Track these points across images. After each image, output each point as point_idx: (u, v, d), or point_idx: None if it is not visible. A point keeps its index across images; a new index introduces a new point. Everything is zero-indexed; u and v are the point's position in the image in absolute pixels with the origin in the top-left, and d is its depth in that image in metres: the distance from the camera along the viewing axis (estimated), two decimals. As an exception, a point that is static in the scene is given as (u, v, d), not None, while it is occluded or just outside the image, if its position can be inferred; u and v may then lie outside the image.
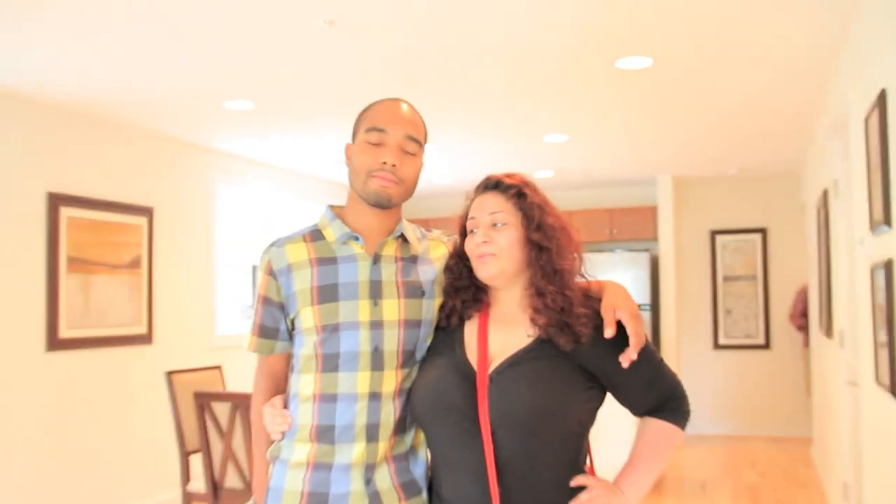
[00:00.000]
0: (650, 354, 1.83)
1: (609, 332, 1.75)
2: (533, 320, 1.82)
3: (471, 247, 1.87)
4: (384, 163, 1.87)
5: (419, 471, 1.91)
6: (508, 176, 1.90)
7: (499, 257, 1.83)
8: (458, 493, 1.79)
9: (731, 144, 6.89)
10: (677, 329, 8.55)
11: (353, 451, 1.84)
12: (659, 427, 1.87)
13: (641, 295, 8.41)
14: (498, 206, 1.86)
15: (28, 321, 5.09)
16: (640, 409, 1.88)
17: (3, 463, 4.87)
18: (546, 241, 1.83)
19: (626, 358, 1.76)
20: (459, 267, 1.93)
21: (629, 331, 1.76)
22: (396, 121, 1.91)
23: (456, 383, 1.80)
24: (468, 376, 1.80)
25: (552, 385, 1.75)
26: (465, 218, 1.92)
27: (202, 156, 6.68)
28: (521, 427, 1.73)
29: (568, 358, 1.78)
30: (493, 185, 1.90)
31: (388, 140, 1.89)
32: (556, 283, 1.81)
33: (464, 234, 1.92)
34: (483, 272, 1.85)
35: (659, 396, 1.86)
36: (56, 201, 5.27)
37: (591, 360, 1.79)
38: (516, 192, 1.86)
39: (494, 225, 1.85)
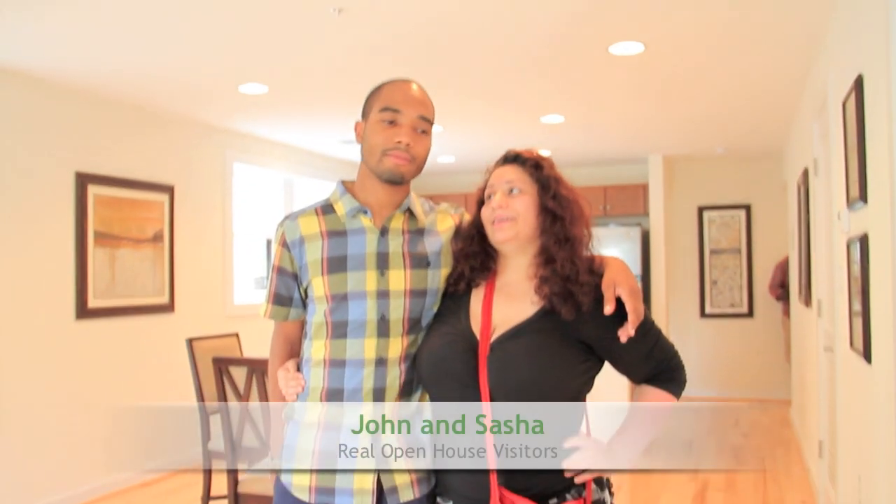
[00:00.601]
0: (649, 328, 1.81)
1: (608, 308, 1.74)
2: (538, 289, 1.80)
3: (487, 213, 1.87)
4: (399, 142, 1.87)
5: (424, 431, 1.91)
6: (527, 151, 1.90)
7: (514, 222, 1.83)
8: (458, 454, 1.79)
9: (718, 126, 6.87)
10: (667, 299, 8.56)
11: (360, 413, 1.85)
12: (654, 395, 1.86)
13: (633, 267, 8.36)
14: (515, 175, 1.86)
15: (59, 292, 5.13)
16: (638, 378, 1.87)
17: (36, 423, 4.92)
18: (560, 210, 1.83)
19: (625, 333, 1.74)
20: (472, 233, 1.92)
21: (628, 307, 1.74)
22: (410, 102, 1.91)
23: (458, 352, 1.79)
24: (471, 345, 1.80)
25: (549, 358, 1.74)
26: (483, 190, 1.92)
27: (219, 136, 6.68)
28: (518, 396, 1.73)
29: (568, 331, 1.77)
30: (512, 157, 1.90)
31: (402, 120, 1.89)
32: (567, 250, 1.81)
33: (481, 204, 1.91)
34: (498, 236, 1.84)
35: (656, 367, 1.85)
36: (84, 180, 5.28)
37: (590, 332, 1.78)
38: (534, 163, 1.87)
39: (511, 192, 1.85)
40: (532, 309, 1.81)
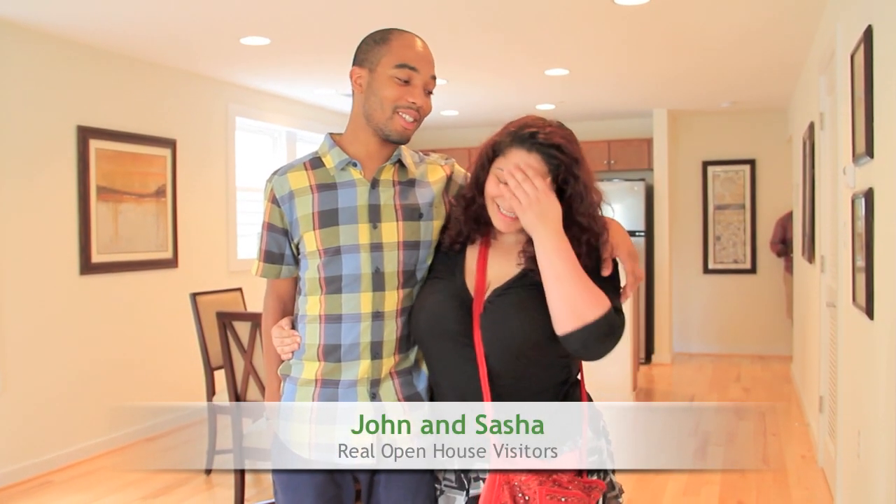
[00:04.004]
0: (615, 288, 1.81)
1: (605, 271, 1.77)
2: (523, 251, 1.79)
3: (496, 192, 1.78)
4: (413, 102, 1.84)
5: (423, 385, 1.91)
6: (546, 131, 1.76)
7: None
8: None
9: (723, 79, 6.78)
10: (670, 254, 8.55)
11: (358, 368, 1.85)
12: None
13: (637, 222, 8.39)
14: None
15: (63, 247, 5.12)
16: None
17: (40, 378, 4.95)
18: (577, 205, 1.77)
19: (625, 295, 1.81)
20: (473, 195, 1.86)
21: (626, 269, 1.78)
22: (425, 60, 1.88)
23: (453, 310, 1.79)
24: (465, 302, 1.79)
25: (538, 314, 1.73)
26: (490, 146, 1.82)
27: (221, 89, 6.61)
28: (511, 352, 1.74)
29: None
30: (527, 136, 1.76)
31: (417, 80, 1.85)
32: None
33: (485, 162, 1.82)
34: (502, 226, 1.80)
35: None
36: (85, 134, 5.24)
37: None
38: (555, 147, 1.74)
39: None
40: (519, 266, 1.81)
